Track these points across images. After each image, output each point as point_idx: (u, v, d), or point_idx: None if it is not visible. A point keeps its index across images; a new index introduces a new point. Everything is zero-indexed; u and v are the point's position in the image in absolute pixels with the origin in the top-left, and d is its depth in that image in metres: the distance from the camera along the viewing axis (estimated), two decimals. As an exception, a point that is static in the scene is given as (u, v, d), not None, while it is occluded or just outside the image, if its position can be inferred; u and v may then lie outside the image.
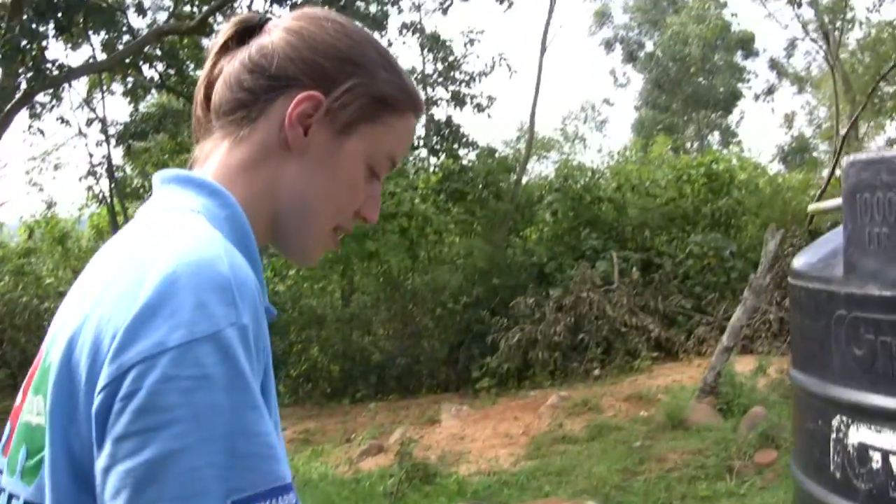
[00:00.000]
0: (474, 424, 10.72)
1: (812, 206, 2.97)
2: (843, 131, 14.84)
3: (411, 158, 18.35)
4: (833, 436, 1.69)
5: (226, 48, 1.29)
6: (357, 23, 1.35)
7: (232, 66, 1.26)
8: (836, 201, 3.42)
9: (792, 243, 12.47)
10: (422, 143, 18.49)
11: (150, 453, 0.91)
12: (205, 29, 13.22)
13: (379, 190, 1.33)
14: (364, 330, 15.74)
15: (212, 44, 1.32)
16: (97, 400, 0.95)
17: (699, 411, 9.27)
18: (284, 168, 1.23)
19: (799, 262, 1.95)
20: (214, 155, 1.26)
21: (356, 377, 14.99)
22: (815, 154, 33.33)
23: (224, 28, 1.31)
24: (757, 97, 39.08)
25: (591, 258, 15.00)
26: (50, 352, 1.09)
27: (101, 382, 0.95)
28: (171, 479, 0.90)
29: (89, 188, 19.02)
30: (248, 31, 1.29)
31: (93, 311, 1.02)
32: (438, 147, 18.72)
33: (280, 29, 1.26)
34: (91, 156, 18.41)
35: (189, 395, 0.92)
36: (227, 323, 0.96)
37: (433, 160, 19.17)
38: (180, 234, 1.07)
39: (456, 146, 18.08)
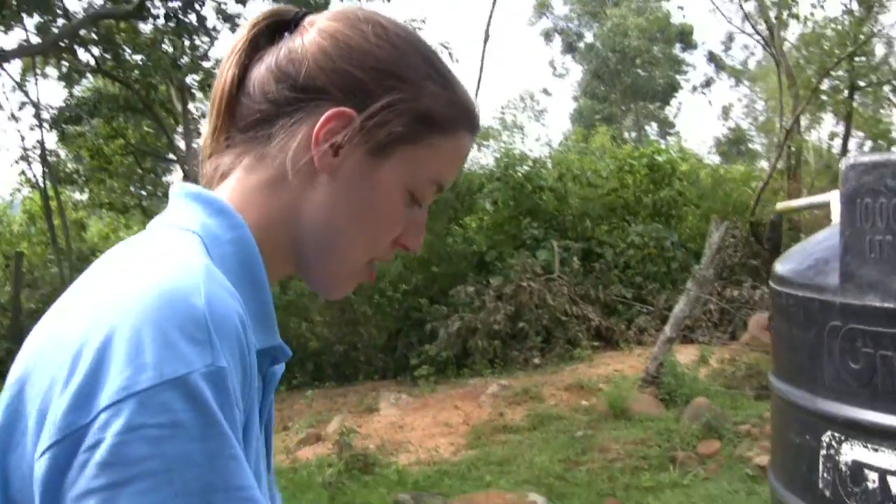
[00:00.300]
0: (413, 413, 10.63)
1: (781, 205, 2.91)
2: (786, 124, 14.97)
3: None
4: (823, 452, 1.63)
5: (255, 46, 1.13)
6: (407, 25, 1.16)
7: (258, 70, 1.11)
8: (805, 200, 3.39)
9: (734, 234, 12.58)
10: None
11: None
12: (142, 13, 12.97)
13: (423, 216, 1.17)
14: (301, 316, 15.56)
15: (236, 39, 1.15)
16: (49, 453, 0.82)
17: (641, 401, 9.30)
18: (310, 192, 1.09)
19: (784, 267, 1.87)
20: (233, 173, 1.12)
21: (293, 364, 14.80)
22: (751, 146, 33.77)
23: (253, 20, 1.15)
24: (695, 89, 39.63)
25: (532, 247, 14.99)
26: (11, 371, 0.95)
27: (53, 434, 0.83)
28: None
29: (22, 172, 18.78)
30: (280, 26, 1.14)
31: (54, 341, 0.90)
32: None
33: (315, 30, 1.11)
34: (24, 139, 18.20)
35: (159, 445, 0.80)
36: (200, 364, 0.84)
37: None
38: (156, 260, 0.94)
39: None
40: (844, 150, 18.30)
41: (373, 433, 9.79)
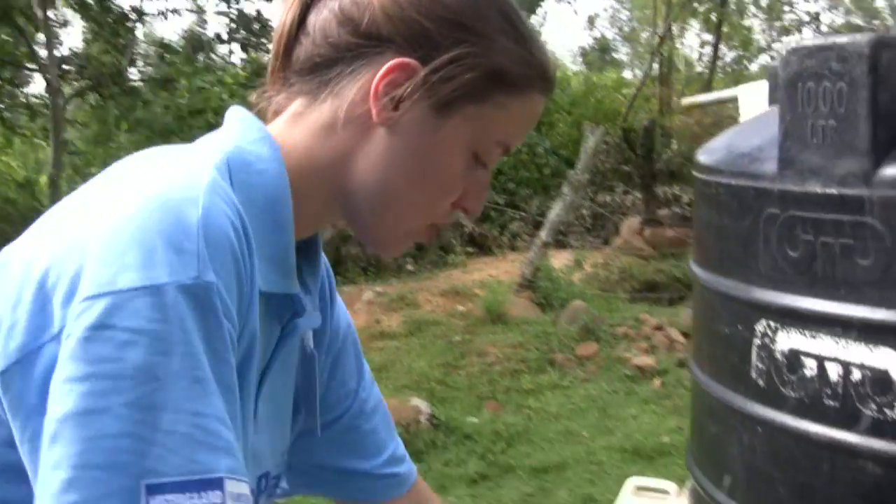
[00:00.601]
0: (289, 322, 10.54)
1: (686, 100, 2.94)
2: (659, 31, 15.15)
3: (217, 57, 17.80)
4: (757, 342, 1.63)
5: None
6: None
7: (320, 13, 1.03)
8: (712, 95, 3.40)
9: (606, 141, 12.74)
10: (228, 37, 17.82)
11: (65, 407, 0.76)
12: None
13: (486, 177, 1.09)
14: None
15: None
16: (51, 343, 0.80)
17: (518, 305, 9.39)
18: (364, 144, 1.02)
19: (712, 157, 1.84)
20: (285, 111, 1.06)
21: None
22: (616, 56, 34.19)
23: None
24: (560, -2, 39.79)
25: (404, 153, 14.92)
26: None
27: (54, 326, 0.81)
28: (77, 442, 0.75)
29: None
30: None
31: (43, 244, 0.87)
32: (247, 42, 18.11)
33: None
34: None
35: (122, 350, 0.77)
36: (184, 276, 0.80)
37: (242, 56, 18.56)
38: (163, 171, 0.90)
39: (266, 41, 17.51)
40: (715, 58, 18.71)
41: (249, 343, 9.68)
